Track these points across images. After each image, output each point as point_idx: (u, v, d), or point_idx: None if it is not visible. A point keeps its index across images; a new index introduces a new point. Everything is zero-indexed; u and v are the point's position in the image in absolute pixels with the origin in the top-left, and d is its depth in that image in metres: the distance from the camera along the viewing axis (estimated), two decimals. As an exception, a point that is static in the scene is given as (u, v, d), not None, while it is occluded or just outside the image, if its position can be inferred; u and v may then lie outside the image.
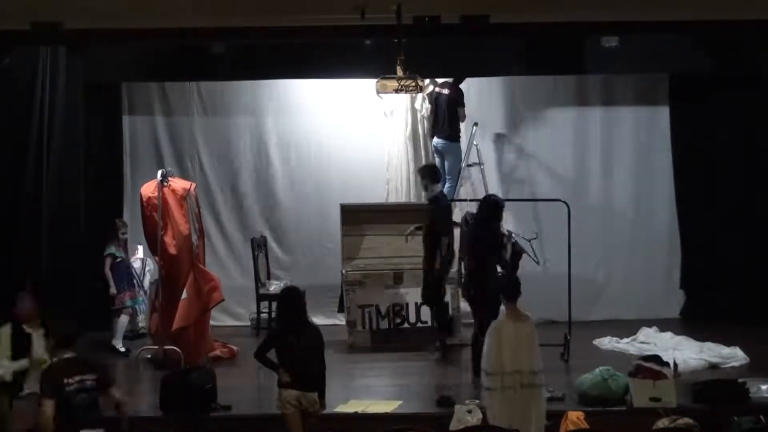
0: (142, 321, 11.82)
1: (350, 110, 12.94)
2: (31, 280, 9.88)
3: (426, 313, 11.37)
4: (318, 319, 12.76)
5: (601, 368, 9.07)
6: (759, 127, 12.44)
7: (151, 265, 11.80)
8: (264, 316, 12.29)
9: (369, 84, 11.65)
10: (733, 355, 10.55)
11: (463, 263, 11.78)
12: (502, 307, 8.11)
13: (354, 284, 11.46)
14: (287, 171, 12.99)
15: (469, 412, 8.36)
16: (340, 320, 12.12)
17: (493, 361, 7.85)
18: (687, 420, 7.78)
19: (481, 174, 12.59)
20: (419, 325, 11.44)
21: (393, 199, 12.74)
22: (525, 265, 10.57)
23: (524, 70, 12.48)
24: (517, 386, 7.82)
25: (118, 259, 11.24)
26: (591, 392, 8.88)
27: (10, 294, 10.43)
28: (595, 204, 12.94)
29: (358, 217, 12.00)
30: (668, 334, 11.54)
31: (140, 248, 11.83)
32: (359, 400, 9.18)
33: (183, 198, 10.68)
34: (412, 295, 11.44)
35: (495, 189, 12.64)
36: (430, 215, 10.93)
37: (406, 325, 11.46)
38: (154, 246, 10.68)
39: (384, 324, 11.43)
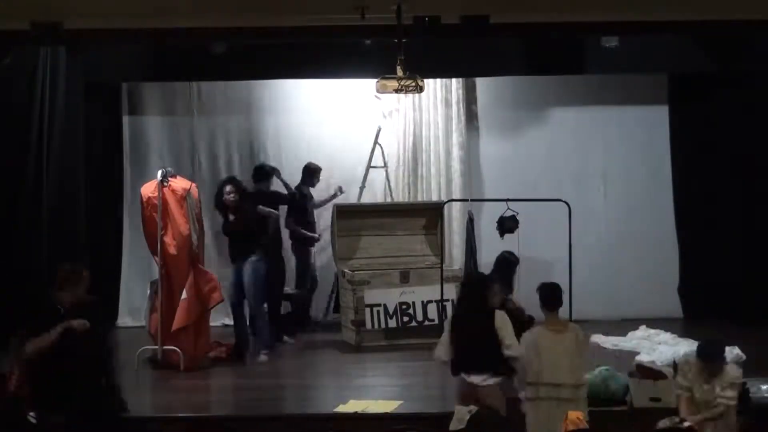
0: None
1: (349, 111, 12.96)
2: None
3: (433, 311, 11.38)
4: (316, 319, 12.83)
5: (601, 368, 9.07)
6: (759, 127, 12.44)
7: None
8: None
9: (368, 85, 11.70)
10: (732, 354, 10.53)
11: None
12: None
13: (361, 284, 11.46)
14: (286, 171, 12.98)
15: (470, 411, 8.34)
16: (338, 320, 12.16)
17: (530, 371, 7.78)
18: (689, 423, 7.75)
19: (386, 176, 12.69)
20: (426, 323, 11.45)
21: (389, 199, 12.76)
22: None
23: (524, 70, 12.50)
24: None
25: None
26: (591, 392, 8.86)
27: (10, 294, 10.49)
28: (595, 204, 12.95)
29: (353, 218, 12.01)
30: (668, 334, 11.53)
31: None
32: (359, 400, 9.18)
33: (183, 198, 10.67)
34: (418, 293, 11.46)
35: (496, 188, 12.69)
36: None
37: (413, 323, 11.47)
38: (154, 246, 10.68)
39: (392, 323, 11.44)
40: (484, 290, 7.99)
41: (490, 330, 7.73)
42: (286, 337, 11.78)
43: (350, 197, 12.75)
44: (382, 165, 12.69)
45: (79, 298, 8.34)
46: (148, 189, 10.74)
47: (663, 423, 7.49)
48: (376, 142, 12.62)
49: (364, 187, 12.70)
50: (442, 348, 7.95)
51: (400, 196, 12.87)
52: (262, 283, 10.84)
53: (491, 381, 7.74)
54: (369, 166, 12.65)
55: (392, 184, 12.88)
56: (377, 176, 12.86)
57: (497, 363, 7.73)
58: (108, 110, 12.83)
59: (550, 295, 7.86)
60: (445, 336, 7.96)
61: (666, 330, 11.68)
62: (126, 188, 12.86)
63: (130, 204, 12.70)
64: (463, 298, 8.16)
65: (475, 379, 7.74)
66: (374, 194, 12.90)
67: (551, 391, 7.71)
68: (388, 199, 12.72)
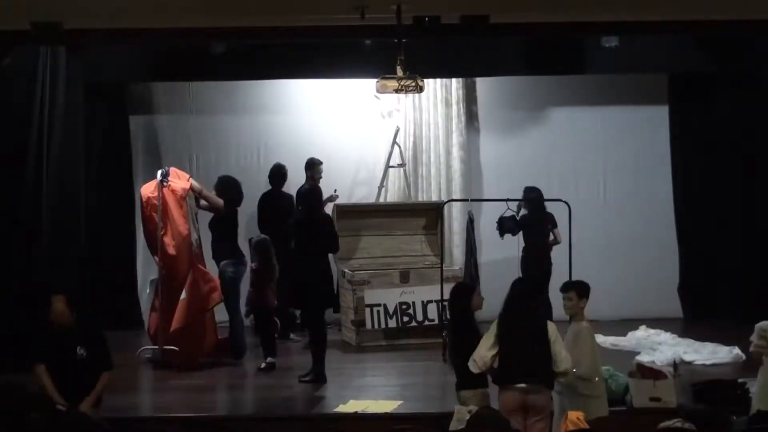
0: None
1: (348, 111, 12.96)
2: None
3: (433, 311, 11.38)
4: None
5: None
6: (759, 128, 12.44)
7: None
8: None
9: (367, 85, 11.71)
10: (732, 354, 10.57)
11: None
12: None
13: (361, 284, 11.46)
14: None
15: (470, 412, 8.34)
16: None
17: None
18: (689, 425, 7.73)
19: (405, 175, 12.66)
20: (426, 323, 11.45)
21: (388, 199, 12.78)
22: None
23: (524, 70, 12.50)
24: None
25: None
26: (591, 392, 8.86)
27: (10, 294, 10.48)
28: (595, 204, 12.96)
29: (353, 218, 12.01)
30: (668, 334, 11.55)
31: None
32: (359, 400, 9.18)
33: (182, 198, 10.68)
34: (418, 293, 11.46)
35: (496, 188, 12.69)
36: None
37: (413, 323, 11.47)
38: (154, 246, 10.69)
39: (392, 323, 11.44)
40: (532, 296, 7.86)
41: (542, 339, 7.54)
42: (292, 335, 11.81)
43: (370, 197, 12.81)
44: (401, 164, 12.69)
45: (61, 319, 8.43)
46: (148, 189, 10.76)
47: (665, 423, 7.47)
48: (394, 142, 12.63)
49: (383, 186, 12.71)
50: (482, 356, 7.58)
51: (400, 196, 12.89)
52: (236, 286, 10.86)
53: (543, 388, 7.54)
54: (388, 166, 12.68)
55: (392, 185, 12.88)
56: (375, 177, 12.88)
57: (549, 372, 7.56)
58: (108, 110, 12.81)
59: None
60: (486, 345, 7.59)
61: (666, 330, 11.71)
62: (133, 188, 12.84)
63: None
64: (511, 304, 7.78)
65: (527, 387, 7.48)
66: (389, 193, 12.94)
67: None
68: (406, 198, 12.76)
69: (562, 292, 8.18)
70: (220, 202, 11.05)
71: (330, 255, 10.61)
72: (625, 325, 12.03)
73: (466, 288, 8.29)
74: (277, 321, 11.40)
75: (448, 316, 11.22)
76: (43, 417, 6.49)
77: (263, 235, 10.88)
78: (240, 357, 10.83)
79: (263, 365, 10.49)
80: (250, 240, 11.36)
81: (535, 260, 11.28)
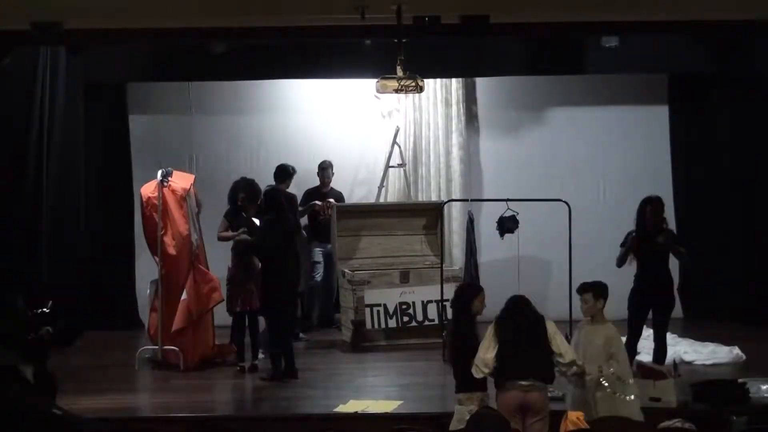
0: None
1: (348, 111, 12.97)
2: None
3: (433, 311, 11.38)
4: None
5: (601, 368, 9.06)
6: (759, 127, 12.45)
7: None
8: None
9: (367, 85, 11.72)
10: (732, 354, 10.56)
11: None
12: None
13: (361, 284, 11.47)
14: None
15: (470, 412, 8.34)
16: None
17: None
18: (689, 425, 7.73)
19: (405, 175, 12.68)
20: (426, 323, 11.45)
21: (388, 199, 12.79)
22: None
23: (524, 70, 12.51)
24: None
25: None
26: (591, 392, 8.87)
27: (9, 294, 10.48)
28: (594, 204, 12.95)
29: (353, 218, 12.02)
30: (668, 334, 11.52)
31: None
32: (359, 400, 9.18)
33: (183, 198, 10.68)
34: (418, 293, 11.46)
35: (496, 189, 12.68)
36: None
37: (413, 323, 11.47)
38: (154, 246, 10.68)
39: (392, 323, 11.44)
40: (527, 300, 7.85)
41: (541, 337, 7.51)
42: (302, 335, 11.85)
43: (370, 197, 12.81)
44: (401, 164, 12.70)
45: None
46: (148, 189, 10.76)
47: (665, 423, 7.48)
48: (394, 142, 12.65)
49: (383, 186, 12.72)
50: (482, 358, 7.52)
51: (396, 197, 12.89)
52: None
53: (542, 386, 7.51)
54: (387, 166, 12.69)
55: (392, 185, 12.88)
56: (375, 177, 12.88)
57: (549, 370, 7.55)
58: (108, 110, 12.83)
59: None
60: (485, 347, 7.55)
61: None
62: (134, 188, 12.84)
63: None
64: (508, 307, 7.74)
65: (527, 385, 7.42)
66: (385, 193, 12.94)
67: None
68: (406, 198, 12.76)
69: (579, 294, 8.16)
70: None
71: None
72: (625, 325, 12.00)
73: (471, 289, 8.22)
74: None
75: (449, 316, 11.26)
76: (39, 420, 6.49)
77: (242, 236, 10.81)
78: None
79: (250, 365, 10.48)
80: None
81: None
